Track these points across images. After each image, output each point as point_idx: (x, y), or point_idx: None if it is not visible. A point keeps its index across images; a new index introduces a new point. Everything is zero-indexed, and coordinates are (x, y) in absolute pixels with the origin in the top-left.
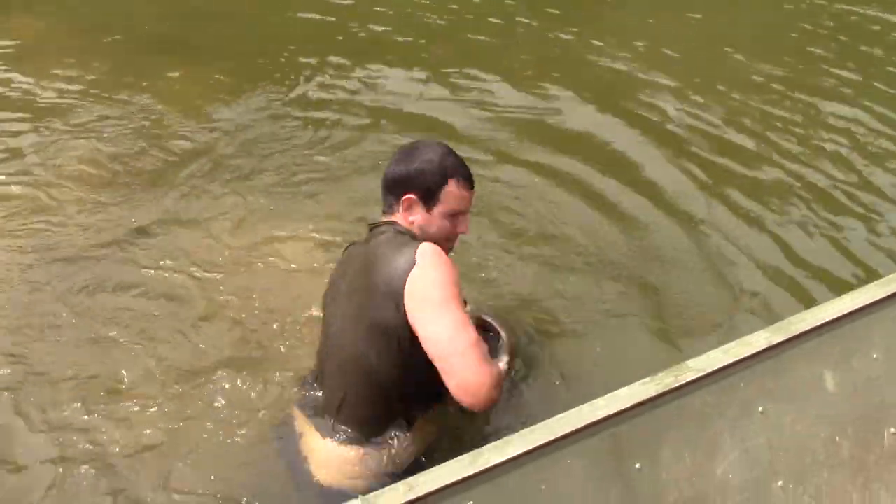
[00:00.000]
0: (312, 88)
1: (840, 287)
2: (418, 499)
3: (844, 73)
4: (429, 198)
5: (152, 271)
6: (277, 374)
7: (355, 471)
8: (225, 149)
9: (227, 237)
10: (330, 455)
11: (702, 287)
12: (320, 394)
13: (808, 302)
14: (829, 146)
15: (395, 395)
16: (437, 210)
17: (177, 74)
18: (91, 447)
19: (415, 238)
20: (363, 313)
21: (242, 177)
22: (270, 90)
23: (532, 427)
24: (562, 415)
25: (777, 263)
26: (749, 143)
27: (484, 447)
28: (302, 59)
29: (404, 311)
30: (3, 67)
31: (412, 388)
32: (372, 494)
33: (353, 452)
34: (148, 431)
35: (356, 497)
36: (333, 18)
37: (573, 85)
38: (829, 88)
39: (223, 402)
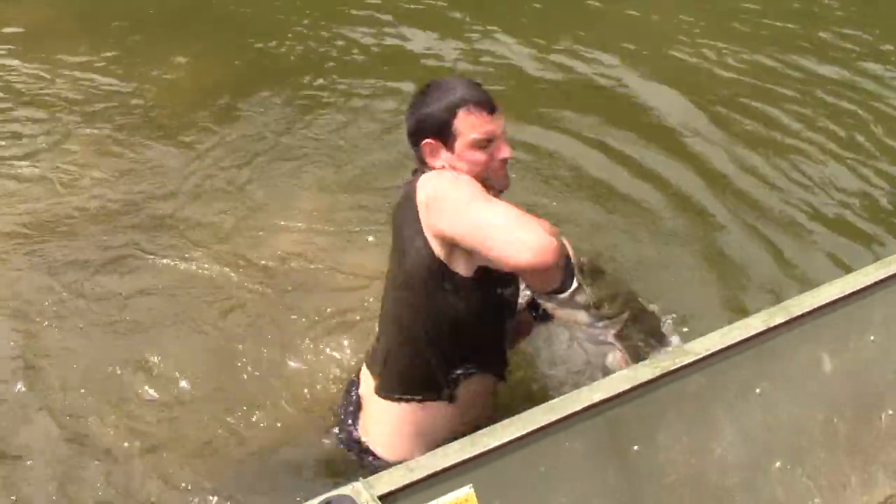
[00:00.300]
0: (330, 68)
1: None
2: (417, 481)
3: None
4: (444, 136)
5: (166, 259)
6: (292, 362)
7: (395, 427)
8: (238, 134)
9: (241, 223)
10: (375, 410)
11: (748, 253)
12: (376, 352)
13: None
14: (859, 116)
15: (429, 353)
16: (459, 145)
17: (185, 58)
18: (112, 431)
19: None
20: (398, 269)
21: (257, 162)
22: (283, 70)
23: (530, 410)
24: (560, 397)
25: (818, 228)
26: (778, 112)
27: (482, 430)
28: (317, 35)
29: (430, 247)
30: (10, 53)
31: (447, 346)
32: (373, 477)
33: (394, 409)
34: (167, 417)
35: (375, 462)
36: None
37: (604, 50)
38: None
39: (244, 390)
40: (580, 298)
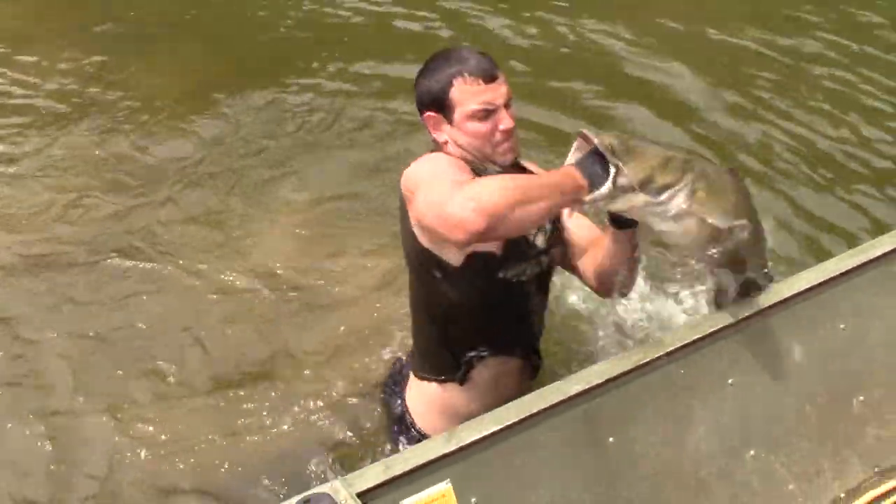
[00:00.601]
0: (317, 63)
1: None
2: (395, 478)
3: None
4: (442, 108)
5: (157, 266)
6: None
7: (425, 404)
8: (224, 138)
9: (231, 229)
10: (411, 385)
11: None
12: None
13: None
14: (831, 108)
15: (437, 336)
16: (457, 116)
17: (170, 62)
18: (101, 432)
19: None
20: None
21: (245, 166)
22: (268, 69)
23: (506, 405)
24: (535, 392)
25: (826, 199)
26: (781, 87)
27: (459, 426)
28: (303, 31)
29: (416, 236)
30: None
31: (451, 330)
32: (351, 475)
33: (423, 387)
34: (155, 420)
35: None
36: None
37: (605, 26)
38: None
39: (233, 392)
40: (623, 181)
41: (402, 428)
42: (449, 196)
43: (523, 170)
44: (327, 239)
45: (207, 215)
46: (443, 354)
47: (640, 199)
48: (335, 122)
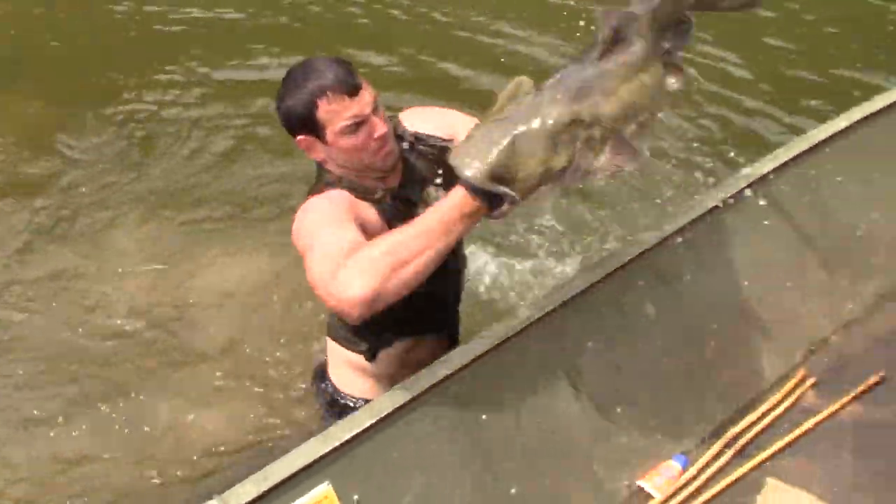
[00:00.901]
0: (158, 100)
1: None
2: (274, 487)
3: None
4: (312, 130)
5: (21, 324)
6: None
7: (337, 364)
8: (68, 178)
9: (86, 277)
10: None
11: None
12: None
13: None
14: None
15: (341, 325)
16: (329, 135)
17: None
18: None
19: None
20: None
21: (90, 208)
22: (112, 96)
23: (377, 399)
24: (404, 382)
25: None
26: None
27: (332, 425)
28: (149, 49)
29: None
30: None
31: (352, 326)
32: (227, 492)
33: (335, 348)
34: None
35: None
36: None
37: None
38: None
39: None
40: (519, 196)
41: (322, 387)
42: (330, 278)
43: (415, 143)
44: (190, 257)
45: (61, 262)
46: (350, 338)
47: (545, 190)
48: (186, 136)
